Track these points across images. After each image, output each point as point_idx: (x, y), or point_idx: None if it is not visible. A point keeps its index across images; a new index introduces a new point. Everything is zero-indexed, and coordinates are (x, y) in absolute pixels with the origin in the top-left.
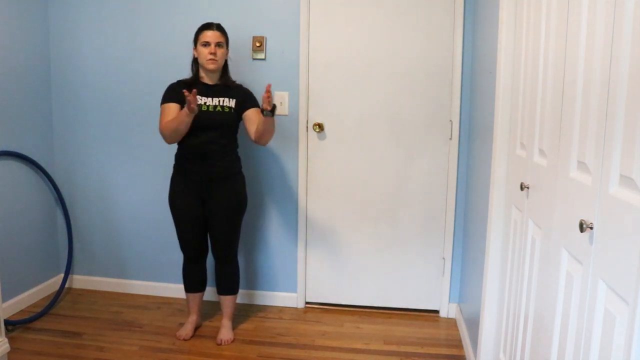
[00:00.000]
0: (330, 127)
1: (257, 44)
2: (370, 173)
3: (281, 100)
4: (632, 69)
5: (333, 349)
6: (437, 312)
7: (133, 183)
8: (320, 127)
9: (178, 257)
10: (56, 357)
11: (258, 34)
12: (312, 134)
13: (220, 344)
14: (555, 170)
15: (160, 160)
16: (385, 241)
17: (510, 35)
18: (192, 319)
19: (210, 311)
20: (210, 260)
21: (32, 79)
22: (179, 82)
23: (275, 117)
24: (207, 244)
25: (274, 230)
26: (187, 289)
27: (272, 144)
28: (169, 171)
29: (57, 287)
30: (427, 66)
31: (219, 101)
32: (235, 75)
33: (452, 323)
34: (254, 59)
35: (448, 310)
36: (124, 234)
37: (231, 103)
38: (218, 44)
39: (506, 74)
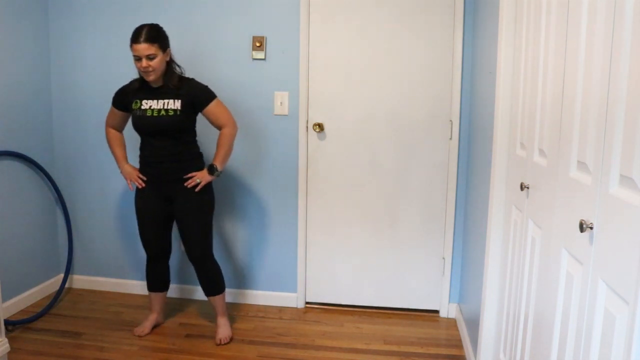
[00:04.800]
0: (330, 127)
1: (257, 44)
2: (370, 173)
3: (281, 100)
4: (631, 68)
5: (333, 349)
6: (437, 312)
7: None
8: (320, 127)
9: (177, 257)
10: (56, 357)
11: (258, 34)
12: (312, 134)
13: (220, 343)
14: (555, 170)
15: None
16: (385, 241)
17: (510, 35)
18: (152, 317)
19: (210, 311)
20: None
21: (33, 79)
22: (130, 83)
23: (275, 117)
24: (169, 244)
25: (274, 230)
26: (149, 288)
27: (272, 144)
28: None
29: (57, 287)
30: (427, 66)
31: (164, 104)
32: (235, 75)
33: (452, 323)
34: (254, 59)
35: (448, 310)
36: (124, 234)
37: (176, 105)
38: (148, 57)
39: (506, 74)
